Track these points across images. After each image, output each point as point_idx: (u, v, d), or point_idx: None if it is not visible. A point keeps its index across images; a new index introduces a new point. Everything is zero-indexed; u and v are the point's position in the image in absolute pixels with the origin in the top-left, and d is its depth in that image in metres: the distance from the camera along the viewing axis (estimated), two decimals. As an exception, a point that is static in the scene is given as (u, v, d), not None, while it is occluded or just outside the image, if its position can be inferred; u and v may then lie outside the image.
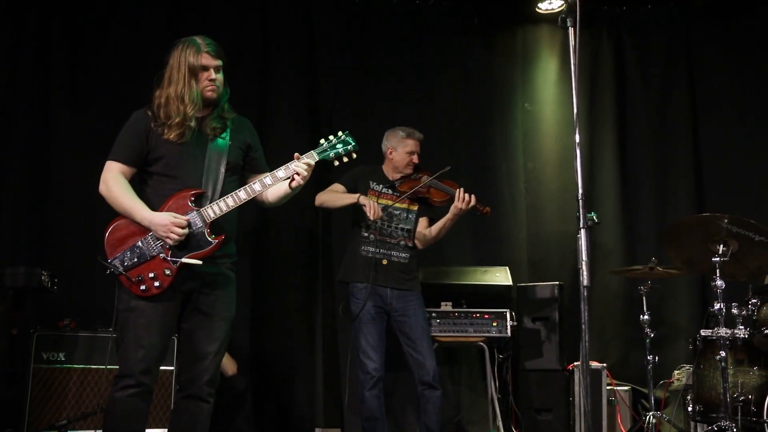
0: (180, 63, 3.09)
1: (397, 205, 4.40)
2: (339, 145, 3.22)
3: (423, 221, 4.47)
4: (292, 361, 5.27)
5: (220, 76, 3.15)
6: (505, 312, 4.86)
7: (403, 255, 4.38)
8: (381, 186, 4.43)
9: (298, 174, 3.10)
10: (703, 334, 4.31)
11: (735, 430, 3.83)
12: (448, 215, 4.32)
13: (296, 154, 3.14)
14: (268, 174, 3.14)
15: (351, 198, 4.31)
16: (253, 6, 5.57)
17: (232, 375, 4.55)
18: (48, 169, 5.13)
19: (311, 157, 3.15)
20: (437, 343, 4.73)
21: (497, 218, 5.45)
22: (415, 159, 4.46)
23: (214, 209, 3.07)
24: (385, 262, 4.33)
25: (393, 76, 5.67)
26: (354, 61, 5.65)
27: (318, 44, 5.62)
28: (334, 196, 4.40)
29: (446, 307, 4.89)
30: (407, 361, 4.30)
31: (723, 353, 3.93)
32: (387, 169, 4.51)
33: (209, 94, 3.13)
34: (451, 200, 4.30)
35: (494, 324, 4.84)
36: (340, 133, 3.25)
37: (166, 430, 3.27)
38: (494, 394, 4.92)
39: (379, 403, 4.24)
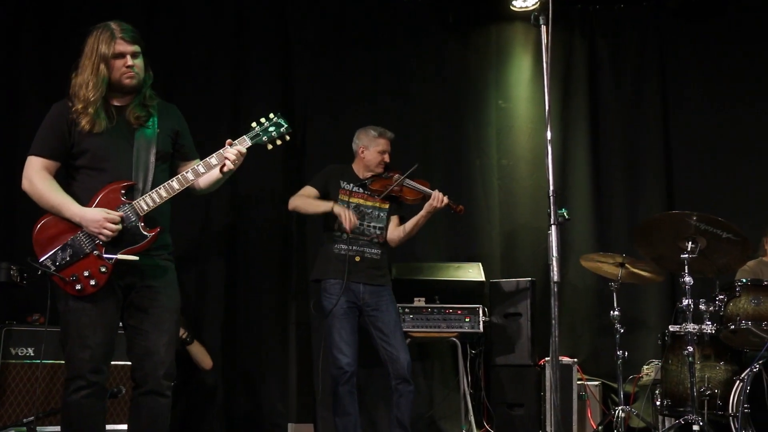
0: (92, 51, 2.98)
1: (368, 203, 4.41)
2: (271, 128, 3.12)
3: (394, 219, 4.49)
4: (264, 358, 5.25)
5: (138, 62, 3.04)
6: (478, 308, 4.88)
7: (375, 252, 4.39)
8: (352, 185, 4.44)
9: (228, 159, 3.01)
10: (671, 329, 4.38)
11: (701, 423, 3.89)
12: (422, 213, 4.35)
13: (228, 141, 3.07)
14: (201, 162, 3.05)
15: (325, 206, 4.32)
16: (227, 2, 5.53)
17: (208, 369, 4.53)
18: (17, 164, 5.02)
19: (243, 143, 3.07)
20: (410, 338, 4.75)
21: (470, 214, 5.47)
22: (387, 158, 4.48)
23: (147, 201, 2.97)
24: (357, 259, 4.34)
25: (368, 73, 5.67)
26: (328, 58, 5.63)
27: (292, 41, 5.60)
28: (308, 202, 4.39)
29: (419, 302, 4.91)
30: (381, 356, 4.31)
31: (690, 348, 3.99)
32: (358, 168, 4.52)
33: (127, 81, 3.02)
34: (424, 199, 4.33)
35: (467, 319, 4.87)
36: (272, 116, 3.15)
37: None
38: (466, 389, 4.95)
39: (352, 399, 4.25)
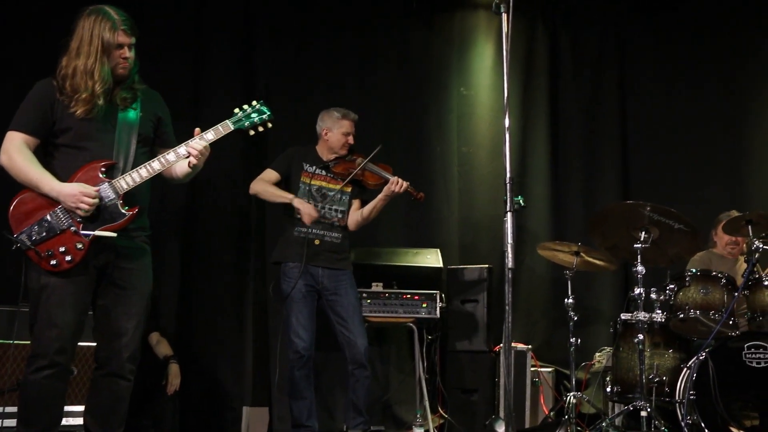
0: (93, 36, 2.98)
1: (330, 185, 4.40)
2: (254, 114, 3.16)
3: (356, 203, 4.49)
4: (221, 341, 5.23)
5: (132, 54, 3.07)
6: (435, 294, 4.91)
7: (336, 235, 4.39)
8: (314, 167, 4.43)
9: (191, 155, 3.03)
10: (623, 317, 4.47)
11: (649, 410, 3.97)
12: (380, 196, 4.36)
13: (197, 130, 3.07)
14: (182, 144, 3.07)
15: (285, 198, 4.31)
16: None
17: (169, 393, 4.51)
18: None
19: (226, 127, 3.10)
20: (367, 323, 4.76)
21: (430, 201, 5.48)
22: (351, 140, 4.47)
23: (127, 180, 2.98)
24: (317, 242, 4.33)
25: (330, 56, 5.64)
26: (290, 40, 5.59)
27: (255, 23, 5.55)
28: (269, 191, 4.37)
29: (377, 287, 4.93)
30: (338, 340, 4.33)
31: (641, 336, 4.07)
32: (321, 150, 4.51)
33: (121, 71, 3.04)
34: (386, 183, 4.33)
35: (424, 305, 4.90)
36: (255, 103, 3.19)
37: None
38: (422, 374, 4.98)
39: (308, 383, 4.26)
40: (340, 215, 4.41)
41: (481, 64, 5.91)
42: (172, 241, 5.24)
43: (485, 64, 5.90)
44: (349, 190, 4.46)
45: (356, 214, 4.46)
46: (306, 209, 4.22)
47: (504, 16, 3.02)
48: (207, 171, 5.09)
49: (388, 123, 5.68)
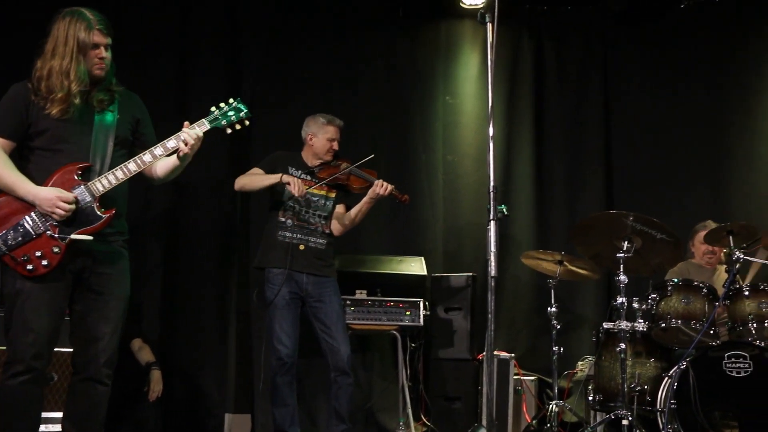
0: (68, 37, 2.96)
1: (315, 191, 4.40)
2: (231, 113, 3.14)
3: (340, 208, 4.50)
4: (203, 347, 5.20)
5: (109, 54, 3.05)
6: (419, 301, 4.92)
7: (320, 241, 4.39)
8: (300, 172, 4.43)
9: (186, 143, 3.00)
10: (605, 326, 4.49)
11: (630, 418, 3.99)
12: (365, 199, 4.38)
13: (186, 123, 3.06)
14: (159, 144, 3.05)
15: (273, 178, 4.28)
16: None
17: (151, 400, 4.48)
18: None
19: (202, 125, 3.08)
20: (351, 330, 4.76)
21: (414, 208, 5.51)
22: (335, 146, 4.48)
23: (103, 183, 2.97)
24: (302, 247, 4.33)
25: (317, 63, 5.64)
26: (277, 46, 5.59)
27: (241, 28, 5.55)
28: (255, 178, 4.37)
29: (361, 295, 4.92)
30: (321, 347, 4.31)
31: (623, 345, 4.09)
32: (306, 155, 4.51)
33: (98, 72, 3.02)
34: (370, 187, 4.34)
35: (407, 313, 4.90)
36: (231, 101, 3.17)
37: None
38: (405, 382, 4.98)
39: (291, 390, 4.25)
40: (323, 221, 4.41)
41: (467, 73, 5.94)
42: (155, 246, 5.22)
43: (471, 73, 5.93)
44: (333, 195, 4.46)
45: (341, 219, 4.46)
46: (295, 181, 4.19)
47: (489, 26, 3.05)
48: (191, 175, 5.13)
49: (373, 130, 5.68)
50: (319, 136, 4.48)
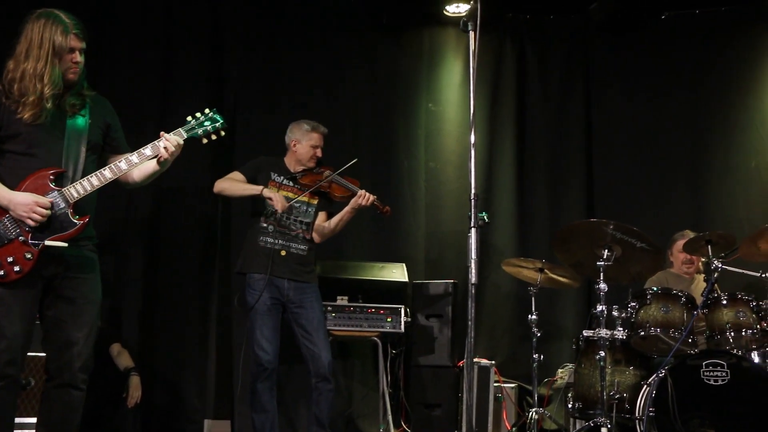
0: (43, 39, 2.92)
1: (297, 197, 4.39)
2: (207, 123, 3.14)
3: (322, 215, 4.49)
4: (183, 352, 5.18)
5: (82, 59, 3.02)
6: (400, 308, 4.92)
7: (302, 247, 4.38)
8: (282, 178, 4.42)
9: (167, 150, 2.99)
10: (585, 334, 4.51)
11: (609, 426, 4.01)
12: (347, 208, 4.37)
13: (162, 132, 3.05)
14: (135, 152, 3.03)
15: (254, 189, 4.28)
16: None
17: (130, 406, 4.44)
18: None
19: (179, 135, 3.06)
20: (332, 336, 4.75)
21: (396, 215, 5.51)
22: (319, 153, 4.48)
23: (78, 189, 2.94)
24: (283, 253, 4.32)
25: (300, 69, 5.64)
26: (260, 52, 5.60)
27: (224, 34, 5.54)
28: (236, 185, 4.35)
29: (342, 301, 4.92)
30: (302, 353, 4.30)
31: (602, 353, 4.11)
32: (290, 162, 4.50)
33: (71, 76, 3.00)
34: (352, 196, 4.35)
35: (388, 319, 4.90)
36: (207, 111, 3.17)
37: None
38: (385, 388, 4.98)
39: (271, 396, 4.23)
40: (305, 227, 4.41)
41: (450, 81, 5.96)
42: (136, 250, 5.19)
43: (453, 80, 5.95)
44: (315, 202, 4.46)
45: (322, 226, 4.46)
46: (277, 197, 4.19)
47: (471, 34, 3.05)
48: (172, 181, 5.15)
49: (356, 137, 5.70)
50: (303, 143, 4.47)
